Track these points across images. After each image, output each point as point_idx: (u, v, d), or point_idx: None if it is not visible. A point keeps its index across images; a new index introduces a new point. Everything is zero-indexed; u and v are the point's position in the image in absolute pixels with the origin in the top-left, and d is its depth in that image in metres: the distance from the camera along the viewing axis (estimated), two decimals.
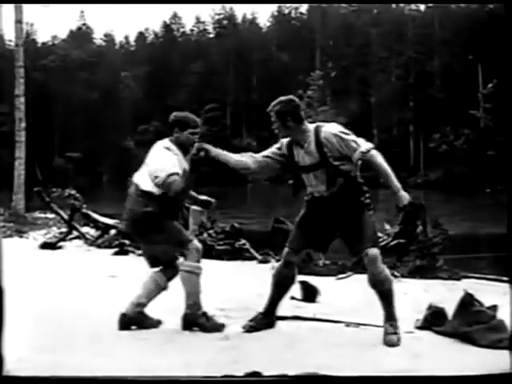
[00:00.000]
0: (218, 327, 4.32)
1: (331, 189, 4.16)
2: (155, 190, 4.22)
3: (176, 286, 4.39)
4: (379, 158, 4.04)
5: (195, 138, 4.39)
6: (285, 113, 4.15)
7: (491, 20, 47.10)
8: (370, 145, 4.08)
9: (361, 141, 4.08)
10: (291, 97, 4.28)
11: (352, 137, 4.09)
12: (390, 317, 4.18)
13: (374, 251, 4.12)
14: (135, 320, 4.37)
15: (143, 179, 4.28)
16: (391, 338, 4.08)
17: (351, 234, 4.21)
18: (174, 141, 4.36)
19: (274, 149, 4.34)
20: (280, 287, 4.39)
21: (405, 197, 4.06)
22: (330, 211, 4.21)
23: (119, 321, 4.34)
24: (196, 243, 4.37)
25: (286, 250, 4.37)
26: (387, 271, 4.23)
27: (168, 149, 4.30)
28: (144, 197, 4.24)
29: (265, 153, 4.33)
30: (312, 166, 4.16)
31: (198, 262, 4.33)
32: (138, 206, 4.24)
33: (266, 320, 4.39)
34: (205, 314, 4.32)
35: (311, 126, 4.19)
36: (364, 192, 4.23)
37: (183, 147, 4.36)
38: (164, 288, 4.43)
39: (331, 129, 4.12)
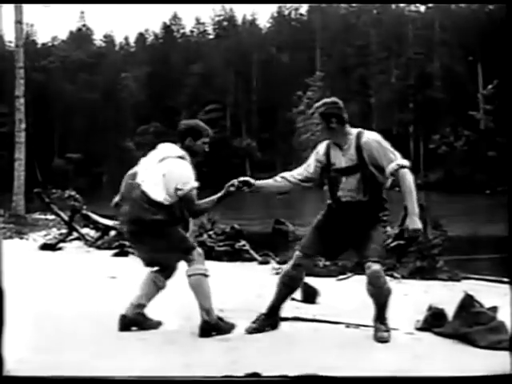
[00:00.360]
0: (232, 328, 4.34)
1: (361, 196, 4.18)
2: (166, 201, 4.17)
3: (176, 288, 4.39)
4: (410, 177, 4.06)
5: (206, 148, 4.39)
6: (329, 114, 4.19)
7: (491, 21, 47.16)
8: (406, 162, 4.09)
9: (398, 155, 4.11)
10: (335, 99, 4.32)
11: (391, 148, 4.12)
12: (382, 317, 4.22)
13: (377, 267, 4.10)
14: (135, 321, 4.36)
15: (154, 188, 4.18)
16: (383, 335, 4.14)
17: (360, 244, 4.21)
18: (186, 149, 4.30)
19: (304, 167, 4.39)
20: (286, 289, 4.38)
21: (416, 222, 4.03)
22: (350, 220, 4.23)
23: (119, 322, 4.32)
24: (199, 249, 4.35)
25: (297, 253, 4.36)
26: (388, 284, 4.23)
27: (183, 158, 4.25)
28: (153, 205, 4.16)
29: (297, 174, 4.39)
30: (348, 168, 4.18)
31: (205, 265, 4.31)
32: (146, 213, 4.16)
33: (269, 321, 4.37)
34: (220, 317, 4.33)
35: (354, 130, 4.23)
36: (384, 209, 4.28)
37: (194, 155, 4.33)
38: (162, 288, 4.42)
39: (374, 136, 4.17)
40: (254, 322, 4.36)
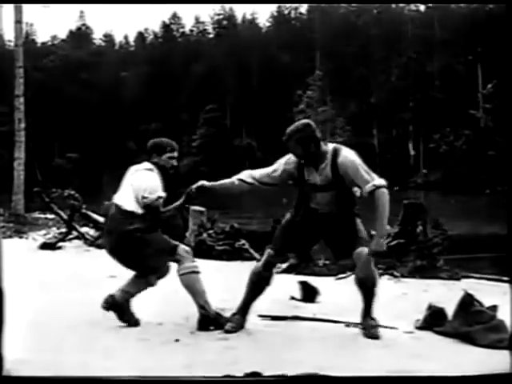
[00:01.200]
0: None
1: (334, 208, 4.22)
2: (138, 210, 4.33)
3: (175, 287, 4.39)
4: (385, 198, 4.06)
5: (174, 162, 4.55)
6: (306, 139, 4.12)
7: (491, 20, 47.15)
8: (382, 181, 4.10)
9: (374, 175, 4.12)
10: (307, 121, 4.26)
11: (366, 168, 4.12)
12: (370, 313, 4.29)
13: (367, 250, 4.15)
14: (120, 307, 4.45)
15: (125, 200, 4.38)
16: (376, 331, 4.21)
17: (342, 240, 4.26)
18: (154, 164, 4.50)
19: (269, 171, 4.35)
20: (257, 287, 4.39)
21: (381, 245, 4.09)
22: (324, 223, 4.28)
23: (105, 300, 4.44)
24: (184, 246, 4.44)
25: (268, 251, 4.39)
26: (376, 272, 4.30)
27: (151, 170, 4.45)
28: (127, 216, 4.32)
29: (259, 176, 4.34)
30: (323, 186, 4.19)
31: (194, 261, 4.38)
32: (123, 225, 4.31)
33: (241, 320, 4.39)
34: (218, 312, 4.39)
35: (329, 148, 4.19)
36: (356, 204, 4.32)
37: (163, 170, 4.50)
38: (152, 285, 4.52)
39: (349, 155, 4.14)
40: (230, 321, 4.35)
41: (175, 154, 4.55)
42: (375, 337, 4.18)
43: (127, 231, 4.28)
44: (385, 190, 4.06)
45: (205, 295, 4.32)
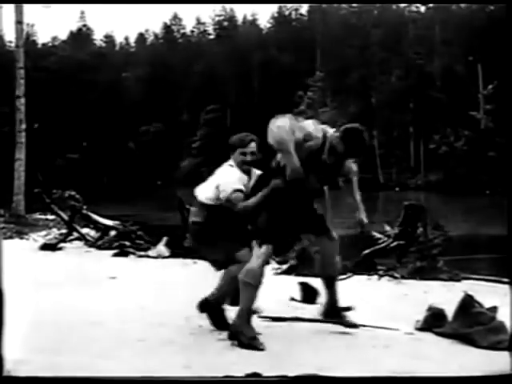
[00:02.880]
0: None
1: None
2: (210, 201, 4.35)
3: (176, 288, 4.39)
4: None
5: (247, 158, 4.43)
6: None
7: (491, 21, 47.19)
8: None
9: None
10: None
11: None
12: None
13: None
14: (214, 308, 4.41)
15: (202, 191, 4.43)
16: (350, 319, 4.43)
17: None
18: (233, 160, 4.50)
19: None
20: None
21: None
22: None
23: (199, 304, 4.39)
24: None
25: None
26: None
27: (232, 166, 4.45)
28: (202, 208, 4.39)
29: None
30: None
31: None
32: (199, 216, 4.39)
33: None
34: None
35: None
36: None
37: (238, 165, 4.44)
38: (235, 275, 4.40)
39: None
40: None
41: (246, 150, 4.44)
42: (353, 325, 4.33)
43: (202, 223, 4.37)
44: None
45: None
